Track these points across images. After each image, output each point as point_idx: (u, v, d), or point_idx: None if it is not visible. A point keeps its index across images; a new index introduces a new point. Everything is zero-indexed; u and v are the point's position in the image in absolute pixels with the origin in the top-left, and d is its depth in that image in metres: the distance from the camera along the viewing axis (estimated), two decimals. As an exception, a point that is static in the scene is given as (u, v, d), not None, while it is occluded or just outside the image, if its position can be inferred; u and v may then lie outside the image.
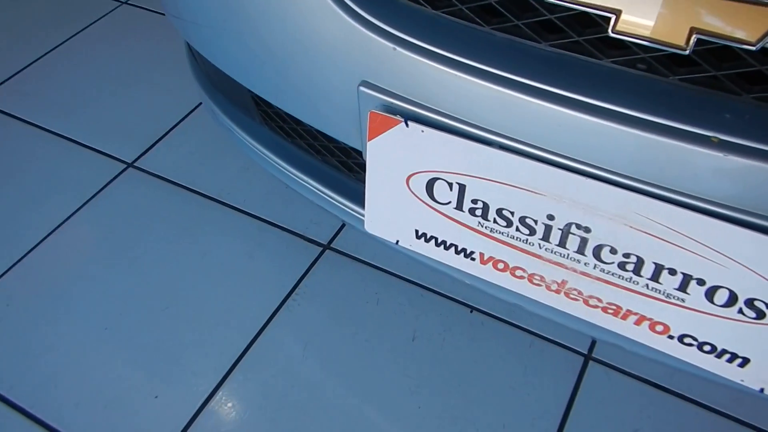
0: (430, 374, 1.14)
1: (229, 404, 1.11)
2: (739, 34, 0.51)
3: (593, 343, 1.17)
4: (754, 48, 0.51)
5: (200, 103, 1.65)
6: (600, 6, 0.56)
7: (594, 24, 0.60)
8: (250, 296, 1.26)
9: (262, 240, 1.36)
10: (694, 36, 0.53)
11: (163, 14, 1.91)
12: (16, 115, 1.67)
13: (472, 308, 1.23)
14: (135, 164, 1.53)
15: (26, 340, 1.21)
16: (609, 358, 1.15)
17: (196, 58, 1.10)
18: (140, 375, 1.15)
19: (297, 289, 1.28)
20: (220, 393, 1.13)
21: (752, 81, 0.57)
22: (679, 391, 1.10)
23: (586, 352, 1.16)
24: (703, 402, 1.09)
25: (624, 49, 0.61)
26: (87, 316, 1.24)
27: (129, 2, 2.05)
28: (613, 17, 0.55)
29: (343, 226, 1.38)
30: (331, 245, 1.35)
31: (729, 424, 1.06)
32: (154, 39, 1.88)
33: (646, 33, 0.55)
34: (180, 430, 1.08)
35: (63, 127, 1.63)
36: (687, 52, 0.54)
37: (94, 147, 1.58)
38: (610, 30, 0.56)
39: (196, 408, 1.11)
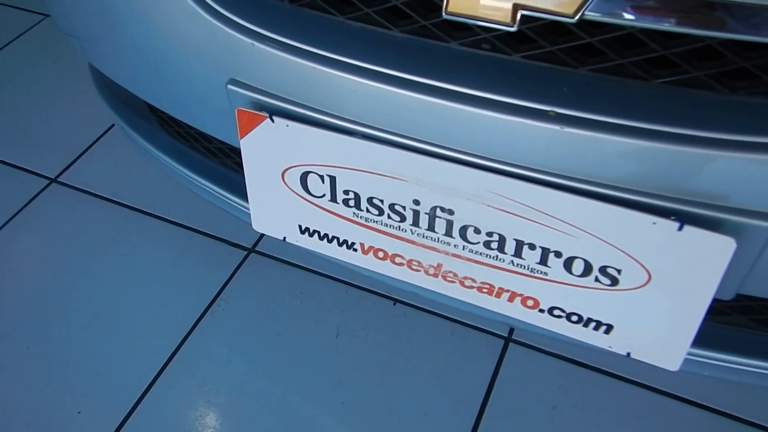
0: (353, 368, 1.15)
1: (154, 414, 1.10)
2: (559, 8, 0.53)
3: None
4: (573, 20, 0.52)
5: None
6: (429, -10, 0.57)
7: (437, 8, 0.61)
8: (175, 304, 1.26)
9: (186, 247, 1.35)
10: (519, 12, 0.54)
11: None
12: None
13: (395, 301, 1.24)
14: (58, 179, 1.52)
15: (-55, 365, 1.19)
16: (529, 339, 1.17)
17: (94, 72, 1.10)
18: (63, 391, 1.14)
19: (222, 294, 1.27)
20: (143, 404, 1.12)
21: (588, 53, 0.58)
22: (596, 366, 1.12)
23: (506, 336, 1.18)
24: (619, 374, 1.11)
25: (469, 31, 0.62)
26: (8, 334, 1.22)
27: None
28: (444, 1, 0.56)
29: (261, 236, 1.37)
30: (256, 248, 1.35)
31: (643, 392, 1.08)
32: (73, 53, 1.86)
33: (476, 13, 0.56)
34: (102, 443, 1.07)
35: (-16, 148, 1.61)
36: (514, 28, 0.55)
37: (15, 164, 1.56)
38: (443, 12, 0.57)
39: (119, 422, 1.10)
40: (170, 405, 1.12)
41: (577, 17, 0.52)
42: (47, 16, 2.03)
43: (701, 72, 0.54)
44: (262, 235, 1.37)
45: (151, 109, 0.99)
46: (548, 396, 1.09)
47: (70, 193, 1.49)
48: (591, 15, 0.52)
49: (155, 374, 1.16)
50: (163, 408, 1.11)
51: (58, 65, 1.84)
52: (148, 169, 1.51)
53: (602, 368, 1.12)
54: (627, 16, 0.51)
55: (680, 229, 0.55)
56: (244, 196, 0.90)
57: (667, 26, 0.51)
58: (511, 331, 1.18)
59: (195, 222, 1.40)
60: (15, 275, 1.33)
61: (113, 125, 1.63)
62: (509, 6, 0.54)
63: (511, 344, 1.16)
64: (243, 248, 1.35)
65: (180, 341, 1.20)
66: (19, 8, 2.08)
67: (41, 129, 1.65)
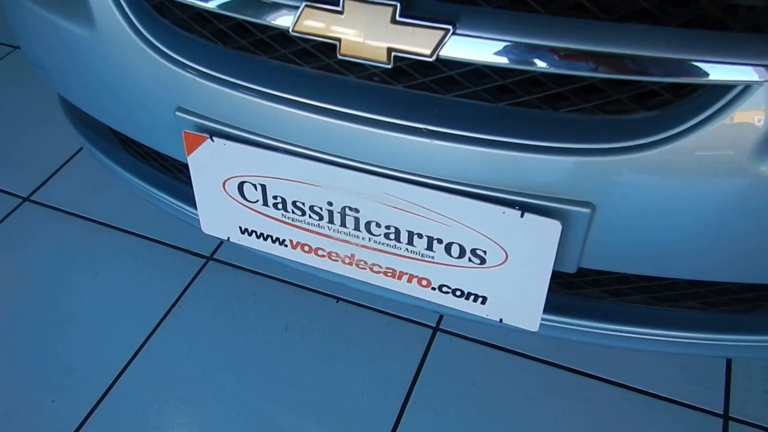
0: (299, 357, 1.30)
1: (122, 400, 1.24)
2: (419, 50, 0.69)
3: (441, 317, 1.35)
4: (431, 59, 0.69)
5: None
6: (328, 36, 0.73)
7: (336, 49, 0.77)
8: (139, 307, 1.40)
9: (150, 256, 1.49)
10: (392, 53, 0.71)
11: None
12: None
13: (338, 299, 1.40)
14: (31, 198, 1.65)
15: (-71, 368, 1.31)
16: (454, 327, 1.33)
17: (62, 99, 1.24)
18: (38, 384, 1.27)
19: (182, 297, 1.42)
20: (112, 392, 1.25)
21: (452, 83, 0.75)
22: (510, 348, 1.29)
23: (434, 325, 1.34)
24: (530, 354, 1.27)
25: (365, 67, 0.78)
26: (-13, 341, 1.35)
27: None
28: (338, 44, 0.73)
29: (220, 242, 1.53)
30: (214, 256, 1.49)
31: (550, 369, 1.25)
32: (42, 82, 2.00)
33: (361, 54, 0.72)
34: (75, 427, 1.21)
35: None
36: (390, 65, 0.72)
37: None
38: (338, 54, 0.73)
39: (90, 408, 1.23)
40: (136, 393, 1.25)
41: (434, 56, 0.69)
42: (16, 47, 2.17)
43: (532, 96, 0.71)
44: (219, 244, 1.52)
45: (114, 132, 1.14)
46: (469, 375, 1.25)
47: (43, 211, 1.62)
48: (445, 55, 0.69)
49: (122, 367, 1.30)
50: (130, 395, 1.25)
51: (29, 92, 1.97)
52: (113, 187, 1.66)
53: (515, 349, 1.28)
54: (470, 56, 0.68)
55: (522, 216, 0.72)
56: (194, 204, 1.05)
57: (502, 63, 0.68)
58: (439, 321, 1.34)
59: (157, 233, 1.54)
60: (-8, 286, 1.46)
61: (81, 148, 1.77)
62: (384, 49, 0.71)
63: (438, 333, 1.33)
64: (202, 256, 1.49)
65: (144, 339, 1.34)
66: (-10, 41, 2.21)
67: (14, 151, 1.78)
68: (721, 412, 1.16)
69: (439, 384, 1.24)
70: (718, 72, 0.63)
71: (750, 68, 0.62)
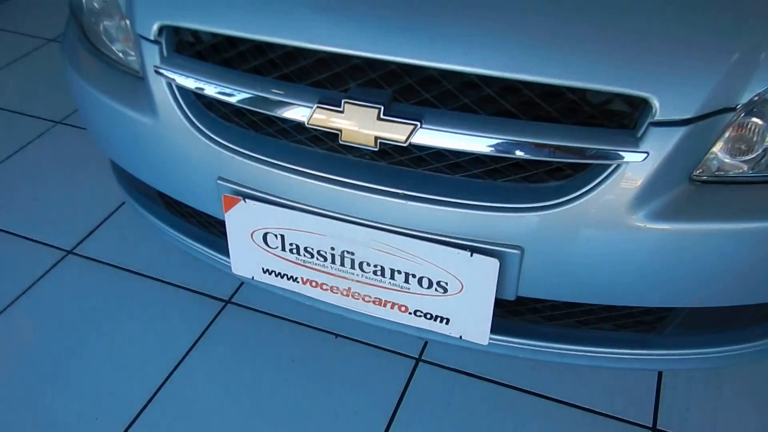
0: (303, 384, 1.55)
1: (154, 420, 1.49)
2: (397, 137, 0.99)
3: (423, 347, 1.61)
4: (405, 144, 0.99)
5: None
6: (332, 127, 1.03)
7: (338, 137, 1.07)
8: (166, 343, 1.66)
9: (176, 301, 1.76)
10: (378, 140, 1.00)
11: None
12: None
13: (337, 335, 1.66)
14: (74, 251, 1.93)
15: (-8, 392, 1.56)
16: (433, 357, 1.59)
17: (114, 166, 1.54)
18: (81, 403, 1.52)
19: (204, 335, 1.67)
20: (145, 413, 1.50)
21: (423, 161, 1.05)
22: (478, 373, 1.54)
23: (417, 356, 1.60)
24: (496, 379, 1.53)
25: (358, 149, 1.08)
26: (33, 370, 1.60)
27: (63, 122, 2.48)
28: (340, 133, 1.03)
29: (242, 284, 1.80)
30: (232, 300, 1.76)
31: (511, 392, 1.51)
32: (84, 150, 2.30)
33: (357, 140, 1.02)
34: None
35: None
36: (376, 149, 1.01)
37: (34, 238, 1.96)
38: (340, 140, 1.03)
39: (128, 423, 1.48)
40: (165, 417, 1.50)
41: (407, 142, 0.99)
42: (57, 122, 2.48)
43: (478, 170, 1.01)
44: (237, 289, 1.79)
45: (160, 194, 1.43)
46: (444, 396, 1.50)
47: (84, 263, 1.90)
48: (415, 141, 0.98)
49: (152, 393, 1.55)
50: (161, 417, 1.49)
51: (73, 158, 2.27)
52: (147, 240, 1.93)
53: (482, 375, 1.54)
54: (432, 142, 0.98)
55: (471, 256, 1.01)
56: (224, 252, 1.32)
57: (455, 148, 0.97)
58: (421, 352, 1.60)
59: (182, 279, 1.81)
60: (40, 327, 1.72)
61: (123, 203, 2.06)
62: (373, 137, 1.00)
63: (420, 362, 1.59)
64: (221, 300, 1.76)
65: (170, 371, 1.60)
66: (33, 116, 2.53)
67: (60, 209, 2.07)
68: (650, 425, 1.42)
69: (418, 403, 1.49)
70: (597, 155, 0.92)
71: (618, 152, 0.92)
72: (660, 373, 1.53)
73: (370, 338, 1.65)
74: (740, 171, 0.99)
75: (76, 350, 1.65)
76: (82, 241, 1.96)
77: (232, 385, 1.56)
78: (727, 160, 0.98)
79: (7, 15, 3.14)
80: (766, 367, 1.55)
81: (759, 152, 0.98)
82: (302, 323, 1.69)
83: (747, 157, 0.98)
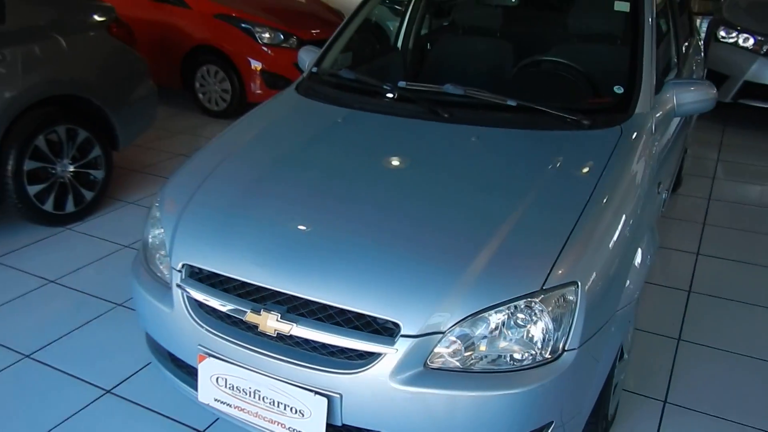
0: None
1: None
2: (283, 329, 1.99)
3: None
4: (287, 334, 1.98)
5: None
6: (256, 322, 2.04)
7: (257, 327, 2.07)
8: (158, 454, 2.54)
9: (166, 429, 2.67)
10: (275, 330, 2.01)
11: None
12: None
13: (267, 460, 2.52)
14: (112, 391, 2.88)
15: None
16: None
17: (147, 335, 2.55)
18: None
19: (183, 452, 2.56)
20: (135, 495, 2.35)
21: (294, 344, 2.03)
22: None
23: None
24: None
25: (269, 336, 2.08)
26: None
27: (123, 305, 3.54)
28: (258, 326, 2.04)
29: (217, 419, 2.70)
30: (206, 430, 2.66)
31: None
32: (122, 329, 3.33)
33: (265, 330, 2.02)
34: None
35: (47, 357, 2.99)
36: (275, 335, 2.01)
37: (77, 376, 2.93)
38: (258, 329, 2.04)
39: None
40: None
41: (289, 333, 1.98)
42: (117, 304, 3.55)
43: (323, 349, 1.99)
44: (213, 421, 2.69)
45: (169, 353, 2.42)
46: None
47: (120, 402, 2.84)
48: (293, 332, 1.98)
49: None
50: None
51: (119, 331, 3.30)
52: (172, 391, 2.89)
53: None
54: (299, 333, 1.98)
55: (314, 395, 1.95)
56: (195, 388, 2.26)
57: (312, 337, 1.97)
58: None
59: (182, 416, 2.73)
60: (82, 435, 2.63)
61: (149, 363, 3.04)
62: (273, 329, 2.00)
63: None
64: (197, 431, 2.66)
65: (158, 471, 2.47)
66: (102, 299, 3.62)
67: (101, 358, 3.06)
68: None
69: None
70: (374, 349, 1.90)
71: (384, 347, 1.89)
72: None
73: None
74: (453, 365, 1.93)
75: (100, 452, 2.55)
76: (120, 384, 2.93)
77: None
78: (446, 357, 1.94)
79: (98, 224, 4.39)
80: None
81: (461, 357, 1.93)
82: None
83: (457, 358, 1.93)
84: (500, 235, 2.05)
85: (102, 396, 2.86)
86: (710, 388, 2.90)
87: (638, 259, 2.30)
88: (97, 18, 4.51)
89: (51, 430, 2.66)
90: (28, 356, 3.07)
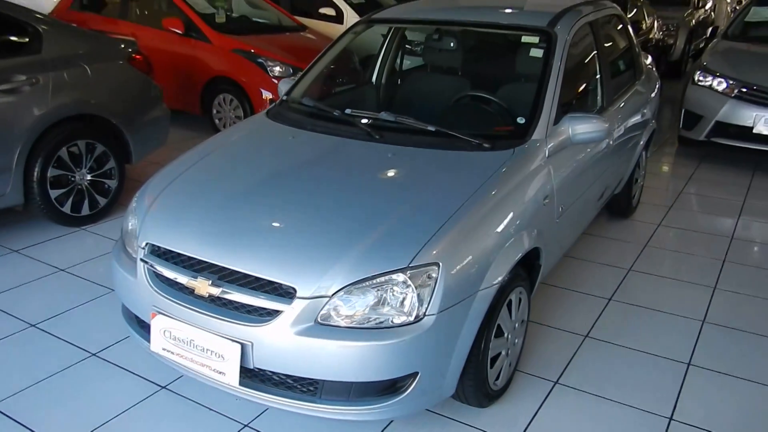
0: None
1: None
2: (213, 292, 2.58)
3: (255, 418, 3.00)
4: (218, 294, 2.58)
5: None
6: (193, 286, 2.64)
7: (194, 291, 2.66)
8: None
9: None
10: (207, 293, 2.60)
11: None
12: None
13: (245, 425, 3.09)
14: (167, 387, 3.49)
15: None
16: (261, 427, 2.97)
17: (123, 306, 3.17)
18: None
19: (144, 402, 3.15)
20: None
21: (214, 300, 2.62)
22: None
23: (245, 423, 2.98)
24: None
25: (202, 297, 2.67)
26: None
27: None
28: (194, 289, 2.63)
29: (181, 375, 3.28)
30: (167, 386, 3.24)
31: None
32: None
33: (200, 292, 2.62)
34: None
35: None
36: (206, 295, 2.60)
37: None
38: (194, 293, 2.63)
39: None
40: None
41: (219, 293, 2.57)
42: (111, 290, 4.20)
43: (236, 304, 2.57)
44: (177, 378, 3.27)
45: (135, 316, 3.02)
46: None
47: (103, 364, 3.44)
48: (219, 294, 2.57)
49: None
50: None
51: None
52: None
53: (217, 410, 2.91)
54: (218, 293, 2.57)
55: (231, 343, 2.52)
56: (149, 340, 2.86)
57: (227, 297, 2.56)
58: (251, 421, 2.99)
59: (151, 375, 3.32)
60: None
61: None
62: (206, 292, 2.60)
63: (246, 428, 2.97)
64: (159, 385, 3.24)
65: None
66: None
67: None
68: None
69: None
70: (277, 306, 2.48)
71: (283, 304, 2.47)
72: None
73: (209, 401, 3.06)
74: (337, 322, 2.49)
75: None
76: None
77: None
78: (332, 315, 2.49)
79: (109, 227, 5.07)
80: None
81: (344, 316, 2.48)
82: (203, 405, 3.14)
83: (342, 317, 2.49)
84: (384, 226, 2.62)
85: (87, 357, 3.47)
86: (600, 375, 3.36)
87: (508, 252, 2.83)
88: (120, 50, 5.27)
89: (41, 381, 3.28)
90: (33, 326, 3.72)
